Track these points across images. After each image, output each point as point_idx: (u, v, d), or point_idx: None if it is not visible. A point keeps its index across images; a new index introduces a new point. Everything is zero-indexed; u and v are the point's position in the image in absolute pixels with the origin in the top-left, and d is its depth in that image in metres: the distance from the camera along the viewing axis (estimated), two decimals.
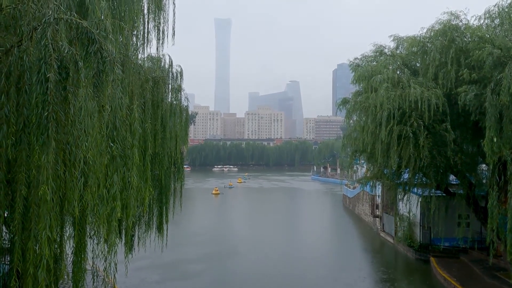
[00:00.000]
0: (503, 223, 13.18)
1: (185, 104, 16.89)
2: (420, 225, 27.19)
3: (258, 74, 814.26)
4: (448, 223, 24.82)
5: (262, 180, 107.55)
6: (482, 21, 19.35)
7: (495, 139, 12.85)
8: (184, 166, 21.07)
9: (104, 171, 7.48)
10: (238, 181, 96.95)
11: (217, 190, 68.65)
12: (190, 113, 23.55)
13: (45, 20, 6.84)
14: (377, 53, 23.53)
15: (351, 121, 24.23)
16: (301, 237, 34.82)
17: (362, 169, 37.24)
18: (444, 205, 23.94)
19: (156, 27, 14.02)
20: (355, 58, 24.39)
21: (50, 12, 6.94)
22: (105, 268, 8.86)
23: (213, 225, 39.94)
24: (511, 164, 11.94)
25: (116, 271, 9.11)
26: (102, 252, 9.01)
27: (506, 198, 12.20)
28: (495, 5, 18.68)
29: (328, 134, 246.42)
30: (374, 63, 22.50)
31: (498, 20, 19.13)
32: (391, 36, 23.47)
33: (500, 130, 13.17)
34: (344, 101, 24.48)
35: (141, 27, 13.50)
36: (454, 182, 23.80)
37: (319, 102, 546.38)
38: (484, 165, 22.00)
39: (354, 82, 22.70)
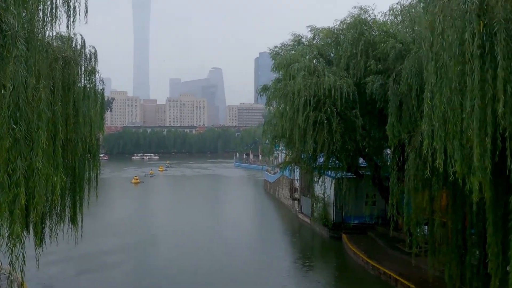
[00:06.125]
0: (401, 199, 14.82)
1: (100, 88, 15.94)
2: (333, 205, 29.24)
3: (180, 60, 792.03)
4: (357, 202, 27.11)
5: (184, 168, 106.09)
6: (387, 17, 21.17)
7: (395, 124, 14.35)
8: (101, 155, 20.00)
9: (6, 155, 6.83)
10: (160, 169, 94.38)
11: (137, 179, 66.16)
12: (106, 98, 22.27)
13: None
14: (296, 43, 24.54)
15: (271, 108, 25.01)
16: (224, 223, 35.32)
17: (282, 155, 38.75)
18: (354, 186, 26.06)
19: (66, 3, 12.91)
20: (275, 47, 25.16)
21: None
22: (11, 262, 8.16)
23: (132, 215, 38.57)
24: (408, 146, 13.43)
25: (25, 264, 8.45)
26: (7, 245, 8.26)
27: (404, 176, 13.73)
28: (398, 2, 20.56)
29: (251, 121, 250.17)
30: (293, 52, 23.43)
31: (400, 17, 21.10)
32: (308, 26, 24.56)
33: (400, 116, 14.72)
34: (265, 88, 25.17)
35: (48, 2, 12.36)
36: (363, 165, 26.00)
37: (242, 90, 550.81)
38: (389, 150, 24.34)
39: (274, 69, 23.44)
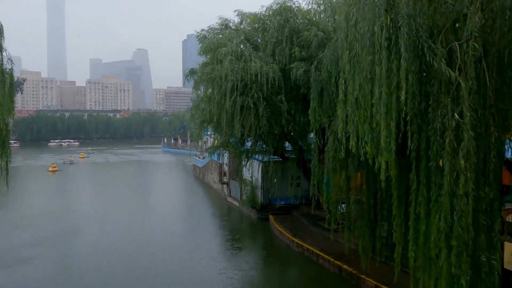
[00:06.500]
0: (322, 179, 15.83)
1: (9, 67, 14.56)
2: (261, 188, 30.18)
3: (100, 39, 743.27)
4: (283, 184, 28.29)
5: (108, 154, 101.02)
6: (310, 6, 22.09)
7: (317, 109, 15.19)
8: (11, 141, 18.40)
9: None
10: (80, 156, 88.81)
11: (54, 167, 61.58)
12: (16, 79, 20.38)
13: None
14: (223, 26, 24.50)
15: (199, 92, 24.84)
16: (151, 210, 34.61)
17: (211, 139, 38.79)
18: (280, 169, 27.14)
19: None
20: (202, 30, 24.89)
21: None
22: None
23: (50, 205, 36.01)
24: (328, 130, 14.33)
25: None
26: None
27: (324, 158, 14.67)
28: None
29: (179, 105, 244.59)
30: (220, 36, 23.39)
31: (323, 6, 22.10)
32: (235, 11, 24.66)
33: (321, 102, 15.56)
34: (192, 72, 24.87)
35: None
36: (289, 149, 27.11)
37: (169, 73, 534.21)
38: (312, 133, 25.64)
39: (202, 53, 23.24)
